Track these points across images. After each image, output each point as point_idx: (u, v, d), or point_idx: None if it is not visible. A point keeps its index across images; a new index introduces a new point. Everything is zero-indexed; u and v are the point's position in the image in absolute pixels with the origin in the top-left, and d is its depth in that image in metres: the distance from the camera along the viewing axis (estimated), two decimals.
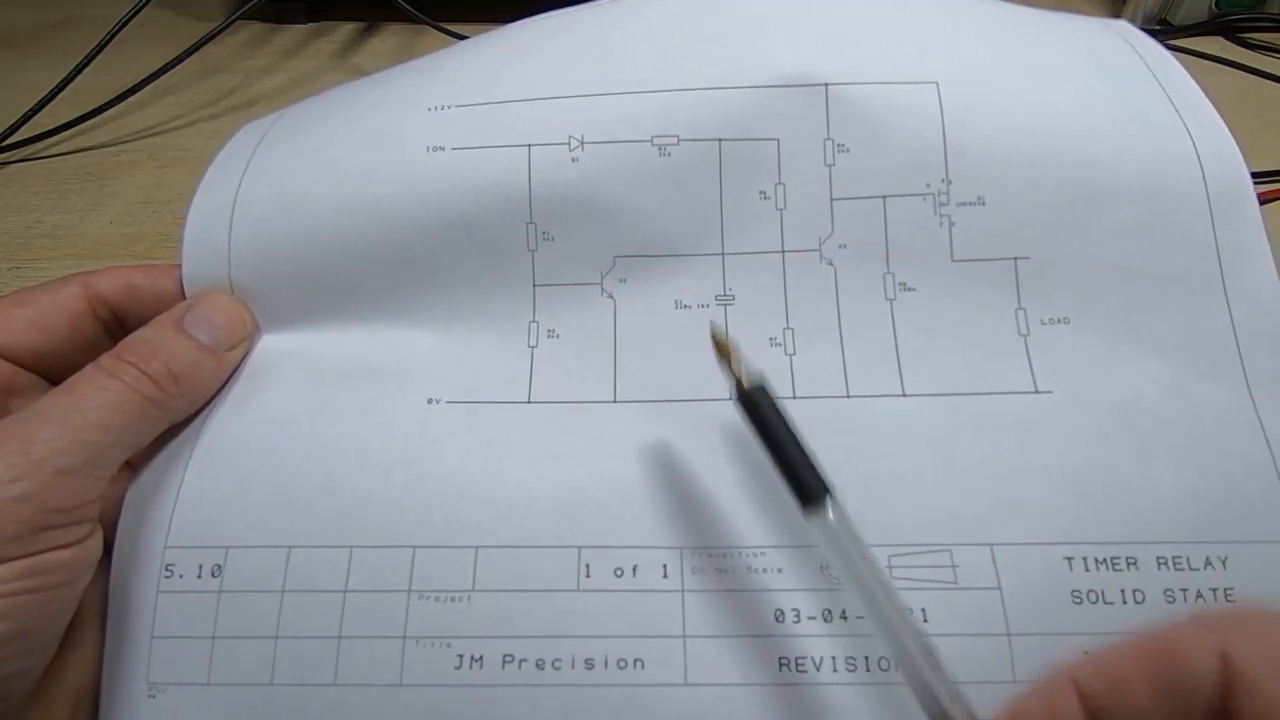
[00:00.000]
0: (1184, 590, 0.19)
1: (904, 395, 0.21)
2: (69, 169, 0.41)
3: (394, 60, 0.52)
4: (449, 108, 0.23)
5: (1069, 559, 0.19)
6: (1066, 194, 0.22)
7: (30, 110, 0.41)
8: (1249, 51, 0.50)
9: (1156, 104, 0.23)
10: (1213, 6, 0.52)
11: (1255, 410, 0.20)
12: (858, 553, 0.16)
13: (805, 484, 0.17)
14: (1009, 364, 0.21)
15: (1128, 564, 0.19)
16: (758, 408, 0.18)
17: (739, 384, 0.18)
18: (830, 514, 0.17)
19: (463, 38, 0.48)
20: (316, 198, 0.23)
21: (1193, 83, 0.24)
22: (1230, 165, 0.22)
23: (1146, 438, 0.20)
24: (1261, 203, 0.30)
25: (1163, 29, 0.53)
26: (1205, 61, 0.48)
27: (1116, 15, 0.55)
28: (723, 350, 0.18)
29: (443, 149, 0.23)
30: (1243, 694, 0.11)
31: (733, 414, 0.18)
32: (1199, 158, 0.22)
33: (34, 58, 0.52)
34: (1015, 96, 0.23)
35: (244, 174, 0.24)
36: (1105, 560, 0.19)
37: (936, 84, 0.22)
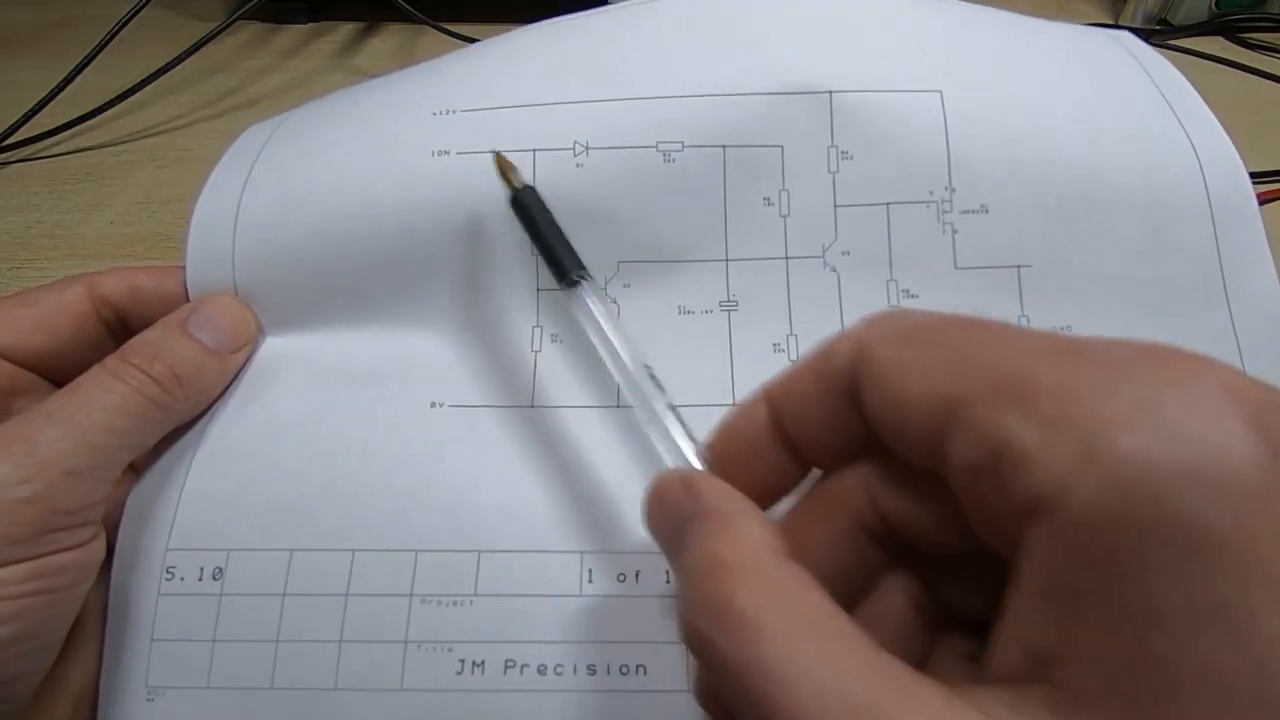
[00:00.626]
0: None
1: None
2: (69, 169, 0.40)
3: (394, 60, 0.52)
4: (453, 112, 0.23)
5: None
6: (1069, 203, 0.22)
7: (30, 110, 0.41)
8: (1249, 51, 0.50)
9: (1159, 114, 0.23)
10: (1213, 6, 0.52)
11: None
12: (606, 322, 0.19)
13: (563, 265, 0.19)
14: None
15: None
16: (527, 206, 0.20)
17: (513, 189, 0.21)
18: (583, 290, 0.19)
19: (462, 38, 0.48)
20: (320, 201, 0.23)
21: (1194, 92, 0.24)
22: (1232, 175, 0.22)
23: None
24: (1261, 203, 0.30)
25: (1163, 29, 0.53)
26: (1205, 61, 0.48)
27: (1117, 15, 0.55)
28: (502, 165, 0.21)
29: (447, 153, 0.23)
30: (861, 360, 0.14)
31: None
32: (1201, 167, 0.22)
33: (34, 58, 0.52)
34: (1018, 105, 0.23)
35: (248, 176, 0.24)
36: None
37: (940, 92, 0.22)
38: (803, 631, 0.11)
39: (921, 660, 0.15)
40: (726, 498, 0.14)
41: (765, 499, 0.16)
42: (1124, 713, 0.10)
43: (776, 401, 0.16)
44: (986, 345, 0.12)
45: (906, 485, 0.14)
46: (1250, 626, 0.10)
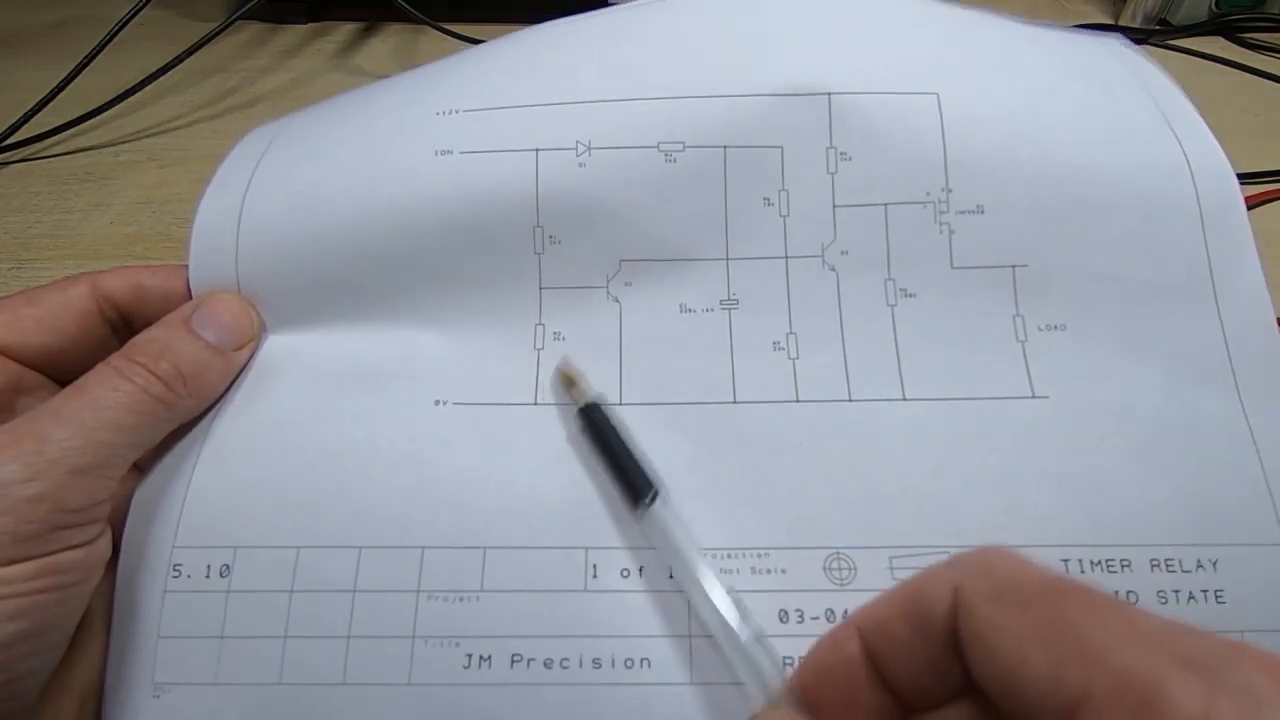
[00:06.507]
0: (1176, 592, 0.19)
1: (904, 399, 0.21)
2: (69, 169, 0.40)
3: (394, 60, 0.52)
4: (457, 112, 0.24)
5: (1065, 560, 0.19)
6: (1063, 204, 0.22)
7: (30, 110, 0.41)
8: (1249, 51, 0.51)
9: (1150, 118, 0.23)
10: (1213, 6, 0.53)
11: (1245, 416, 0.21)
12: (684, 544, 0.18)
13: (634, 485, 0.19)
14: (1007, 369, 0.22)
15: (1122, 566, 0.19)
16: (593, 423, 0.20)
17: (581, 406, 0.21)
18: (656, 511, 0.19)
19: (462, 38, 0.48)
20: (324, 199, 0.23)
21: (1183, 95, 0.24)
22: (1221, 178, 0.22)
23: (1140, 442, 0.20)
24: (1261, 203, 0.30)
25: (1163, 29, 0.53)
26: (1205, 61, 0.48)
27: (1117, 15, 0.55)
28: (567, 379, 0.21)
29: (451, 153, 0.23)
30: (962, 614, 0.14)
31: (740, 417, 0.19)
32: (1191, 170, 0.22)
33: (34, 58, 0.52)
34: (1013, 108, 0.23)
35: (253, 175, 0.24)
36: (1100, 562, 0.19)
37: (937, 95, 0.23)
38: None
39: None
40: None
41: None
42: None
43: (869, 639, 0.15)
44: (1102, 633, 0.12)
45: None
46: None
